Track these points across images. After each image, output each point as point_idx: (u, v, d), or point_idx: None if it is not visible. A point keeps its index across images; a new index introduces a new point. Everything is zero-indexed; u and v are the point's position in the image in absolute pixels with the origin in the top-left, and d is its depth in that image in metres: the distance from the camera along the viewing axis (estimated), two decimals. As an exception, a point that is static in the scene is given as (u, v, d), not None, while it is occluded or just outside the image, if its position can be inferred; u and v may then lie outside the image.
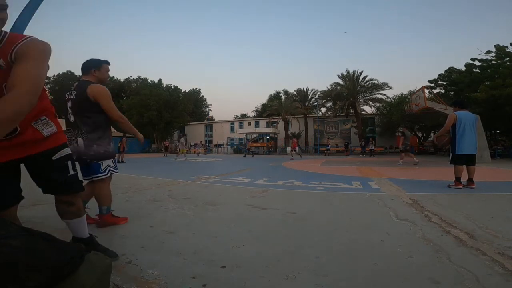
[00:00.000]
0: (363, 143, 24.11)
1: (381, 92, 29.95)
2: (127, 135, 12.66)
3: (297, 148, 17.99)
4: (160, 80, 43.16)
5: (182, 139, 16.52)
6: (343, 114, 31.13)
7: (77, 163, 1.69)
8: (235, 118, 49.04)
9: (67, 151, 1.34)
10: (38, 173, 1.27)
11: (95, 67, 2.14)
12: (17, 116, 0.93)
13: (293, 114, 33.54)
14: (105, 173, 2.18)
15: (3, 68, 1.04)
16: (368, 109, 31.97)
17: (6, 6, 1.03)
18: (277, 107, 33.61)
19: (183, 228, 2.21)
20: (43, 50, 1.09)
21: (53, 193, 1.33)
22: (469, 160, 4.33)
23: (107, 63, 2.21)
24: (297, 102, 34.17)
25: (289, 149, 21.99)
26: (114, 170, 2.25)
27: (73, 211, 1.38)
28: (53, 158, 1.27)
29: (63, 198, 1.35)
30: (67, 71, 43.80)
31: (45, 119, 1.27)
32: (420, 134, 29.25)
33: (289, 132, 34.00)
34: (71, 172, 1.35)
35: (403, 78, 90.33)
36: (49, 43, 1.15)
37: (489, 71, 16.43)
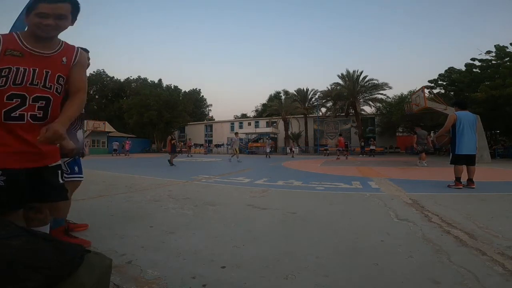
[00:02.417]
0: (363, 143, 24.11)
1: (381, 92, 30.05)
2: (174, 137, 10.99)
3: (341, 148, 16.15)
4: (160, 80, 43.34)
5: (235, 138, 14.42)
6: (343, 114, 31.17)
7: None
8: (235, 118, 49.07)
9: (59, 161, 1.37)
10: (36, 181, 1.25)
11: None
12: (78, 112, 1.32)
13: (293, 114, 33.58)
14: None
15: (64, 64, 1.29)
16: (368, 109, 32.07)
17: (64, 16, 1.23)
18: (277, 107, 33.66)
19: (183, 228, 2.21)
20: (86, 61, 1.44)
21: (40, 201, 1.31)
22: (469, 160, 4.33)
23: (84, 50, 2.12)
24: (297, 102, 34.22)
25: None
26: (65, 175, 2.05)
27: (41, 218, 1.35)
28: (49, 165, 1.29)
29: (36, 205, 1.32)
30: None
31: None
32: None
33: (289, 132, 34.02)
34: (61, 181, 1.36)
35: (403, 78, 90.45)
36: None
37: (489, 71, 16.45)
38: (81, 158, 2.18)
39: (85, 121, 2.20)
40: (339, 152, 16.15)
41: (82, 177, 2.08)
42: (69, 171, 1.96)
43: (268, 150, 20.20)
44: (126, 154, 22.44)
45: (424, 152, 9.73)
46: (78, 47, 1.38)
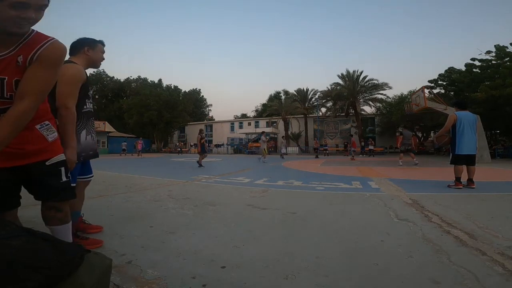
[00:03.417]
0: (363, 143, 24.13)
1: (381, 92, 30.02)
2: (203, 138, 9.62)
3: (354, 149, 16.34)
4: (160, 80, 43.35)
5: (263, 137, 13.32)
6: (343, 114, 31.15)
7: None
8: (235, 118, 49.07)
9: (61, 156, 1.31)
10: (31, 178, 1.22)
11: (88, 45, 1.81)
12: (20, 127, 1.04)
13: (293, 114, 33.55)
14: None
15: (20, 65, 1.04)
16: (368, 109, 32.04)
17: (46, 6, 1.04)
18: (277, 107, 33.63)
19: (183, 228, 2.21)
20: (60, 57, 1.12)
21: (44, 200, 1.29)
22: (469, 160, 4.33)
23: (102, 43, 1.92)
24: (297, 102, 34.20)
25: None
26: None
27: (60, 217, 1.32)
28: (47, 163, 1.23)
29: (51, 204, 1.30)
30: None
31: (49, 124, 1.25)
32: (420, 134, 29.28)
33: (289, 132, 34.00)
34: (64, 178, 1.30)
35: (403, 78, 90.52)
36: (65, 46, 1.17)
37: (489, 71, 16.45)
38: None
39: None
40: (354, 152, 16.26)
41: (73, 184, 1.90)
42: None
43: (284, 150, 18.80)
44: (139, 154, 22.06)
45: (404, 152, 9.90)
46: (51, 39, 1.11)
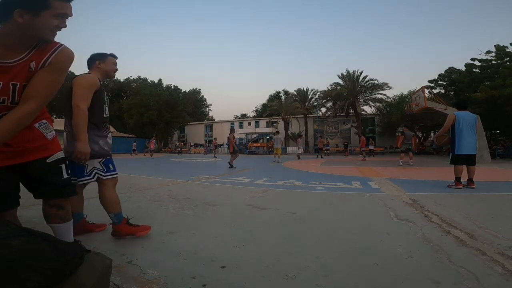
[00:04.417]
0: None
1: (381, 92, 30.01)
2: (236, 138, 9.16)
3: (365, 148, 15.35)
4: (160, 80, 43.26)
5: (276, 136, 13.05)
6: (343, 114, 31.15)
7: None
8: (235, 118, 49.07)
9: (61, 154, 1.33)
10: (32, 176, 1.23)
11: (99, 59, 2.01)
12: (21, 127, 1.06)
13: (293, 114, 33.56)
14: (90, 176, 1.88)
15: (32, 71, 1.07)
16: (368, 109, 32.03)
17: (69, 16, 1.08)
18: (277, 107, 33.66)
19: (183, 228, 2.21)
20: (69, 63, 1.16)
21: (45, 197, 1.29)
22: (469, 160, 4.33)
23: (113, 56, 2.09)
24: (297, 102, 34.20)
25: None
26: (102, 173, 1.90)
27: (62, 215, 1.33)
28: (47, 161, 1.25)
29: (53, 201, 1.31)
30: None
31: (46, 123, 1.27)
32: (420, 134, 29.28)
33: (289, 132, 34.01)
34: (65, 175, 1.32)
35: (403, 78, 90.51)
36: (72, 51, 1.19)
37: (489, 71, 16.45)
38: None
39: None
40: (364, 152, 15.80)
41: (117, 173, 2.04)
42: (105, 169, 1.92)
43: (301, 150, 17.51)
44: (151, 153, 21.74)
45: (405, 152, 9.92)
46: (60, 45, 1.13)
